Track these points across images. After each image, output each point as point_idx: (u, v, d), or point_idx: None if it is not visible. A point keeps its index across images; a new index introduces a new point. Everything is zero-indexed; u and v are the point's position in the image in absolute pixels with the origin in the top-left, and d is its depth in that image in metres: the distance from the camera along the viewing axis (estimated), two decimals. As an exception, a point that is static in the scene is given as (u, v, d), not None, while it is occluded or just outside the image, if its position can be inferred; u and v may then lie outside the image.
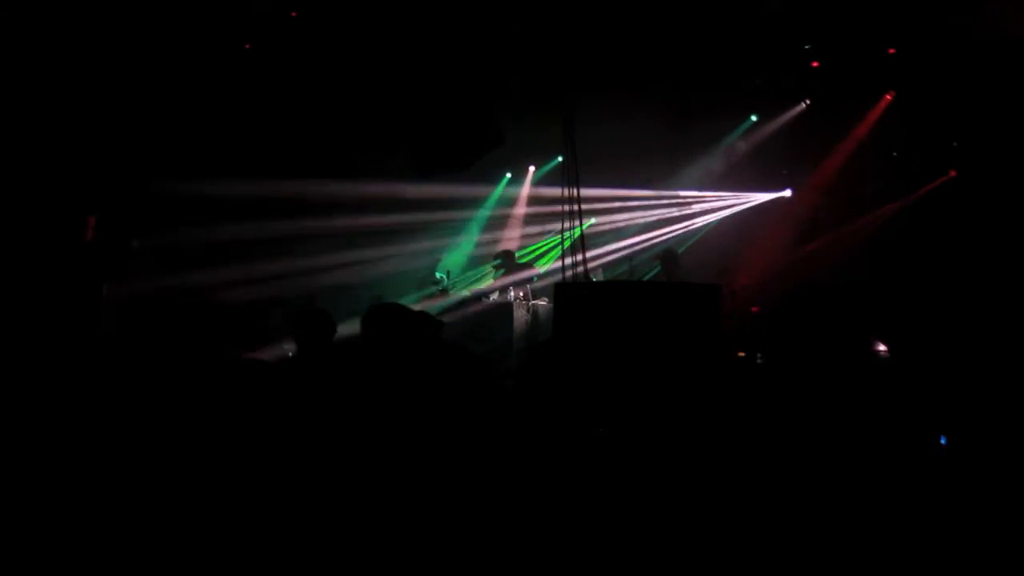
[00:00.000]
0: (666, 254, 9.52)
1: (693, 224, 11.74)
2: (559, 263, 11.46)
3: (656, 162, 11.32)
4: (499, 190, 12.73)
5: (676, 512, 2.67)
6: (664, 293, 6.31)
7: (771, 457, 2.54)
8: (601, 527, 2.80)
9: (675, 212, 11.85)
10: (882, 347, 7.34)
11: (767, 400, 2.67)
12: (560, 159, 6.79)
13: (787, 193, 11.21)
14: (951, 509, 2.30)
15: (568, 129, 6.58)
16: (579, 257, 7.24)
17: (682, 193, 11.72)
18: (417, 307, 9.08)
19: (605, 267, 10.94)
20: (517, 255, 11.44)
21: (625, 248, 11.18)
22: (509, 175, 12.66)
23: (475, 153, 7.64)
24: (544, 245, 12.52)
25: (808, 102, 10.26)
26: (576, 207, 6.62)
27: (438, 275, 11.27)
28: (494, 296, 9.97)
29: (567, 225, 7.01)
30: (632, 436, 3.51)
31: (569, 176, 6.41)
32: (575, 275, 7.24)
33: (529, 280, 10.30)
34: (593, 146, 9.59)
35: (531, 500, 2.95)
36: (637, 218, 11.72)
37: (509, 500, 2.96)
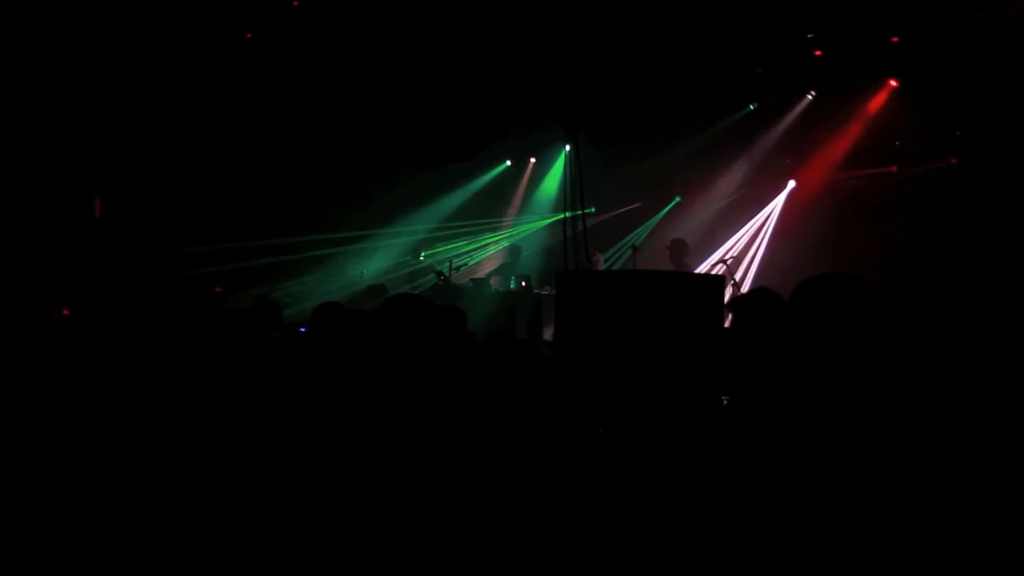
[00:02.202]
0: (675, 243, 9.50)
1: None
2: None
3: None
4: (493, 173, 12.74)
5: (680, 512, 2.68)
6: (667, 283, 6.32)
7: (775, 453, 2.54)
8: (606, 527, 2.81)
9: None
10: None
11: (768, 394, 2.67)
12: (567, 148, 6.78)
13: (792, 184, 11.22)
14: (955, 508, 2.31)
15: (571, 118, 6.57)
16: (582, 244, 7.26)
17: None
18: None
19: None
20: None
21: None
22: (509, 162, 12.67)
23: (476, 146, 7.63)
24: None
25: (814, 93, 10.28)
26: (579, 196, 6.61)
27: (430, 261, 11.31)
28: (495, 286, 10.00)
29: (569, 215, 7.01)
30: (635, 433, 3.52)
31: (573, 166, 6.41)
32: (578, 263, 7.26)
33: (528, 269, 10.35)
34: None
35: (534, 499, 2.97)
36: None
37: (513, 498, 2.97)
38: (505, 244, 12.47)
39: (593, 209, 10.63)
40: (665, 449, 3.04)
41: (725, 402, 3.34)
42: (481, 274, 11.50)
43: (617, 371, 4.46)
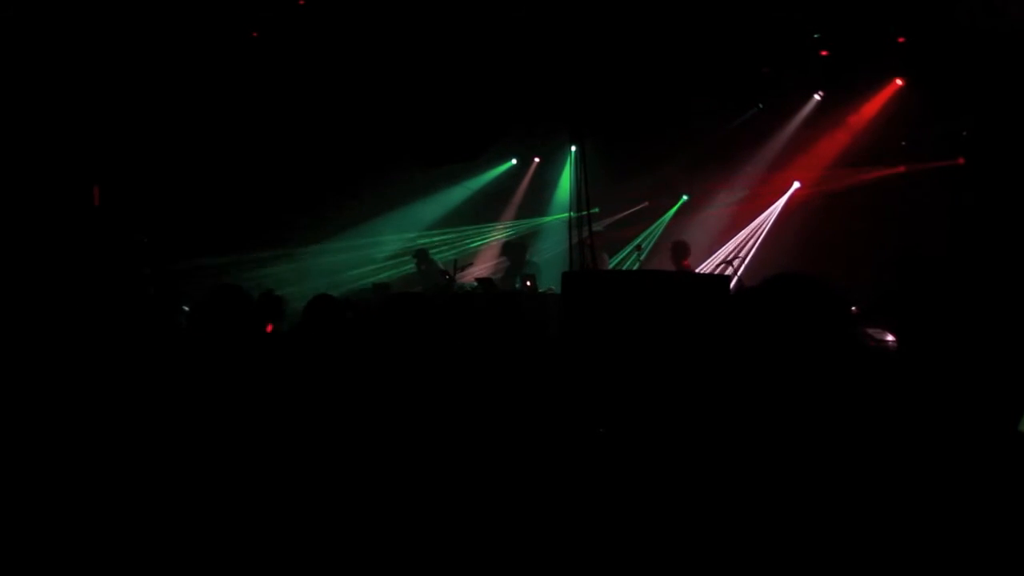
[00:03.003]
0: (676, 244, 9.52)
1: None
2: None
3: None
4: (497, 171, 12.74)
5: (682, 512, 2.67)
6: (673, 283, 6.31)
7: (778, 454, 2.53)
8: (607, 527, 2.81)
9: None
10: (890, 337, 7.31)
11: (772, 394, 2.66)
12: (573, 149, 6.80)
13: (796, 185, 11.20)
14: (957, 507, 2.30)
15: (576, 121, 6.58)
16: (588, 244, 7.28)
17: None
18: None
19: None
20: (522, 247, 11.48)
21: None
22: (515, 160, 12.67)
23: (480, 144, 7.62)
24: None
25: (821, 94, 10.28)
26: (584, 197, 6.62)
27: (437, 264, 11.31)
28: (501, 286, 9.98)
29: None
30: (638, 433, 3.52)
31: (578, 167, 6.43)
32: (583, 264, 7.26)
33: (536, 270, 10.34)
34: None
35: (534, 499, 2.96)
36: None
37: (513, 499, 2.96)
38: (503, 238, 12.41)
39: (597, 209, 10.64)
40: (670, 448, 3.03)
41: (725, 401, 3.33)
42: (486, 274, 11.49)
43: (622, 370, 4.45)
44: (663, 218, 12.09)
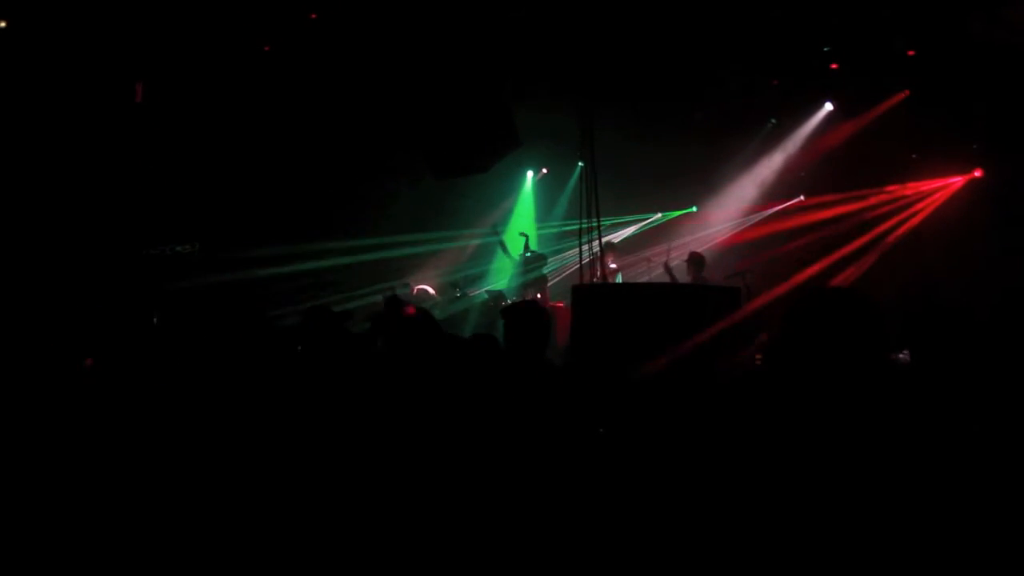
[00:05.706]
0: (693, 256, 9.50)
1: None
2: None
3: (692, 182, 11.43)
4: (527, 188, 12.74)
5: (683, 515, 2.67)
6: (682, 295, 6.31)
7: (783, 464, 2.53)
8: (609, 528, 2.80)
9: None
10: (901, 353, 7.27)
11: (781, 405, 2.66)
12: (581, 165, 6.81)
13: (800, 199, 11.20)
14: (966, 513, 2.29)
15: (586, 131, 6.59)
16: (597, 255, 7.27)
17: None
18: (439, 311, 9.17)
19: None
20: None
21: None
22: (531, 173, 12.65)
23: (493, 155, 7.61)
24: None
25: (831, 106, 10.29)
26: (594, 209, 6.63)
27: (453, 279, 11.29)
28: (511, 298, 9.98)
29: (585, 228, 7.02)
30: (644, 438, 3.52)
31: (588, 178, 6.44)
32: (593, 276, 7.26)
33: (545, 281, 10.34)
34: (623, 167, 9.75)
35: (537, 500, 2.96)
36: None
37: (515, 500, 2.96)
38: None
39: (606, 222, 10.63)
40: (680, 453, 3.03)
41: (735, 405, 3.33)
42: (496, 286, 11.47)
43: (631, 380, 4.46)
44: (665, 215, 12.09)
